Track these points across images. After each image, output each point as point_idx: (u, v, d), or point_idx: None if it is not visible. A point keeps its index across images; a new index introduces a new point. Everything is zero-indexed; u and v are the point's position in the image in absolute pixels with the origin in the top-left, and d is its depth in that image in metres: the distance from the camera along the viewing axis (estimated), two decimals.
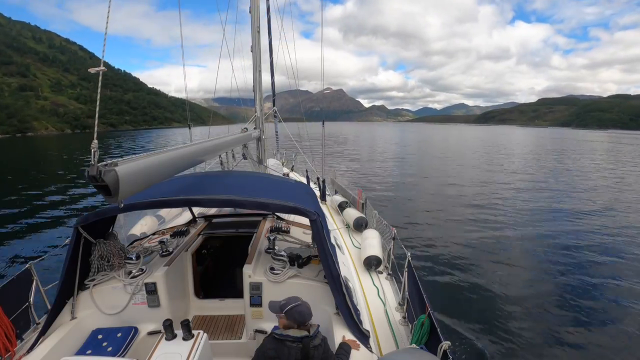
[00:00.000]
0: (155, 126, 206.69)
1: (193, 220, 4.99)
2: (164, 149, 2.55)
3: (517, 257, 9.33)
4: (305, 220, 3.26)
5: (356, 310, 3.01)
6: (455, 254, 9.37)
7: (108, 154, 38.14)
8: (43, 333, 2.91)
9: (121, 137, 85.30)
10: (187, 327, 2.50)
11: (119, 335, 3.06)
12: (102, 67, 1.93)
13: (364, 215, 6.73)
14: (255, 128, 6.86)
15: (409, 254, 3.78)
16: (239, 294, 3.56)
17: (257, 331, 3.28)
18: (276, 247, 3.69)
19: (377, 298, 4.09)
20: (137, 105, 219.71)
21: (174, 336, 2.53)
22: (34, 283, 3.38)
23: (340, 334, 2.81)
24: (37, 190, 18.50)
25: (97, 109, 1.95)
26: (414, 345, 2.71)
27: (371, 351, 2.79)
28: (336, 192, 8.93)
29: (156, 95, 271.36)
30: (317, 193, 7.93)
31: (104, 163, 1.74)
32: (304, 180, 9.40)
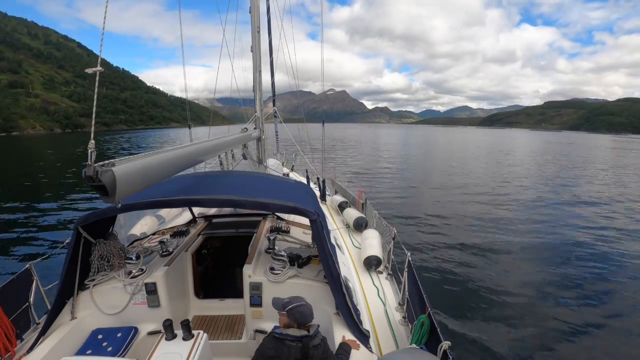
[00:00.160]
0: (152, 126, 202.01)
1: (193, 220, 4.99)
2: (163, 149, 2.55)
3: (518, 258, 9.33)
4: (305, 220, 3.26)
5: (356, 310, 3.01)
6: (456, 254, 9.37)
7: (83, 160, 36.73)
8: (43, 333, 2.91)
9: (110, 139, 71.99)
10: (187, 327, 2.50)
11: (119, 335, 3.06)
12: (99, 67, 1.93)
13: (364, 215, 6.73)
14: (255, 128, 6.86)
15: (409, 254, 3.78)
16: (239, 294, 3.56)
17: (257, 331, 3.28)
18: (276, 247, 3.69)
19: (377, 298, 4.09)
20: (134, 104, 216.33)
21: (174, 336, 2.53)
22: (34, 283, 3.38)
23: (340, 334, 2.81)
24: (37, 191, 18.51)
25: (95, 108, 1.95)
26: (414, 345, 2.71)
27: (371, 351, 2.79)
28: (336, 192, 8.93)
29: (155, 94, 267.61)
30: (317, 193, 7.93)
31: (101, 163, 1.73)
32: (304, 180, 9.40)
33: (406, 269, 3.69)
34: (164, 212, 6.08)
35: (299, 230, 4.67)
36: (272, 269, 3.35)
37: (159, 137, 77.28)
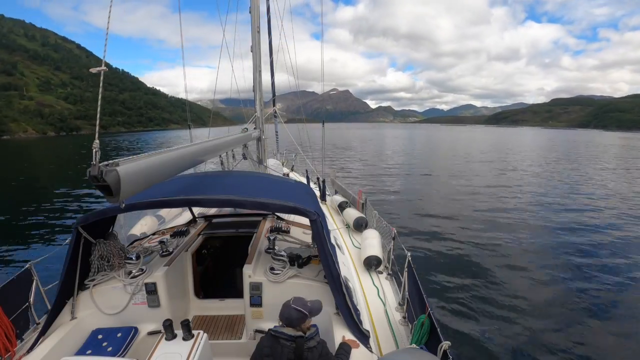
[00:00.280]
0: (150, 128, 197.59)
1: (193, 220, 4.99)
2: (165, 149, 2.56)
3: (518, 258, 9.32)
4: (305, 220, 3.26)
5: (356, 310, 3.01)
6: (456, 254, 9.38)
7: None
8: (43, 333, 2.91)
9: (108, 141, 69.93)
10: (187, 327, 2.50)
11: (119, 335, 3.06)
12: (103, 67, 1.93)
13: (364, 215, 6.73)
14: (255, 128, 6.87)
15: (409, 254, 3.78)
16: (239, 294, 3.56)
17: (257, 331, 3.28)
18: (276, 247, 3.69)
19: (377, 298, 4.09)
20: (133, 105, 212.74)
21: (174, 336, 2.53)
22: (34, 283, 3.38)
23: (340, 334, 2.81)
24: (37, 191, 18.51)
25: (99, 109, 1.95)
26: (414, 345, 2.71)
27: (371, 351, 2.79)
28: (336, 192, 8.93)
29: (154, 95, 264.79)
30: (317, 193, 7.93)
31: (105, 163, 1.74)
32: (304, 180, 9.40)
33: (406, 269, 3.69)
34: (164, 212, 6.08)
35: (299, 230, 4.67)
36: (272, 269, 3.35)
37: (154, 140, 72.99)
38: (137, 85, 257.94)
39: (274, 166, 8.89)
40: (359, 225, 6.41)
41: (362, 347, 2.71)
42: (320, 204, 5.43)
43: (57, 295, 3.03)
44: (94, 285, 3.22)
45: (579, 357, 5.48)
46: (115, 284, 3.25)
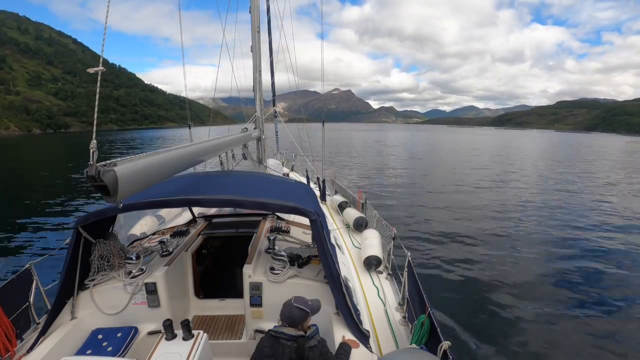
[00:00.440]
0: (145, 126, 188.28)
1: (193, 220, 4.99)
2: (164, 148, 2.55)
3: (518, 258, 9.33)
4: (305, 220, 3.26)
5: (356, 310, 3.01)
6: (456, 254, 9.37)
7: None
8: (43, 333, 2.91)
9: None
10: (187, 327, 2.50)
11: (119, 335, 3.06)
12: (100, 67, 1.93)
13: (364, 215, 6.73)
14: (255, 128, 6.87)
15: (409, 254, 3.78)
16: (239, 294, 3.56)
17: (257, 331, 3.28)
18: (276, 247, 3.69)
19: (377, 298, 4.09)
20: (127, 102, 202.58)
21: (174, 336, 2.53)
22: (34, 283, 3.38)
23: (340, 334, 2.81)
24: (36, 191, 18.50)
25: (97, 108, 1.95)
26: (414, 345, 2.71)
27: (371, 351, 2.79)
28: (336, 192, 8.94)
29: (151, 92, 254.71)
30: (317, 193, 7.93)
31: (103, 163, 1.73)
32: (304, 180, 9.40)
33: (406, 269, 3.69)
34: (164, 212, 6.07)
35: (299, 230, 4.67)
36: (272, 269, 3.35)
37: (150, 140, 66.11)
38: (133, 81, 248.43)
39: (274, 166, 8.89)
40: (359, 225, 6.41)
41: (362, 347, 2.71)
42: (320, 204, 5.43)
43: (57, 295, 3.03)
44: (94, 285, 3.22)
45: (579, 356, 5.48)
46: (115, 284, 3.25)
